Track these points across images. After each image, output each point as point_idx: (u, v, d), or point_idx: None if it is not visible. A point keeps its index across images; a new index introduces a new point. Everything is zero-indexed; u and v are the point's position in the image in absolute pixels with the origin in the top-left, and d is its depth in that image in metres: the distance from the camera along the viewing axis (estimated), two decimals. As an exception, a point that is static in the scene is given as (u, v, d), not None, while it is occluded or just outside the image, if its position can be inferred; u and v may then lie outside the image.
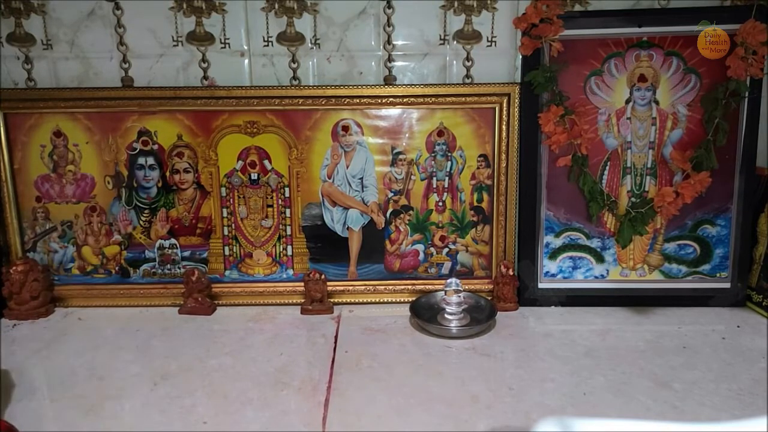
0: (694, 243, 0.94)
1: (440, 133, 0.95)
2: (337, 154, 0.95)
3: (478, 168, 0.95)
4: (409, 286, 0.98)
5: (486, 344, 0.83)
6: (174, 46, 0.96)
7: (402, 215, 0.97)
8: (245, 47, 0.97)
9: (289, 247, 0.98)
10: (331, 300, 0.96)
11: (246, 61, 0.97)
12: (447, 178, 0.96)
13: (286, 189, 0.96)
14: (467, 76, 0.97)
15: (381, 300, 0.98)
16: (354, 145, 0.95)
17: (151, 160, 0.95)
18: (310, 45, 0.96)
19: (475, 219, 0.97)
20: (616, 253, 0.95)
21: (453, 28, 0.96)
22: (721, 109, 0.88)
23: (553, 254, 0.96)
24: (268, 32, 0.96)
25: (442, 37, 0.96)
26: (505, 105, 0.92)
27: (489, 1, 0.95)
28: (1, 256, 0.97)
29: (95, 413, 0.66)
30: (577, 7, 0.94)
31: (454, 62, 0.97)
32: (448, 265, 0.99)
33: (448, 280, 0.90)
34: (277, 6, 0.95)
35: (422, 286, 0.98)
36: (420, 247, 0.98)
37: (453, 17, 0.95)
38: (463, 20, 0.95)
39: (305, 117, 0.94)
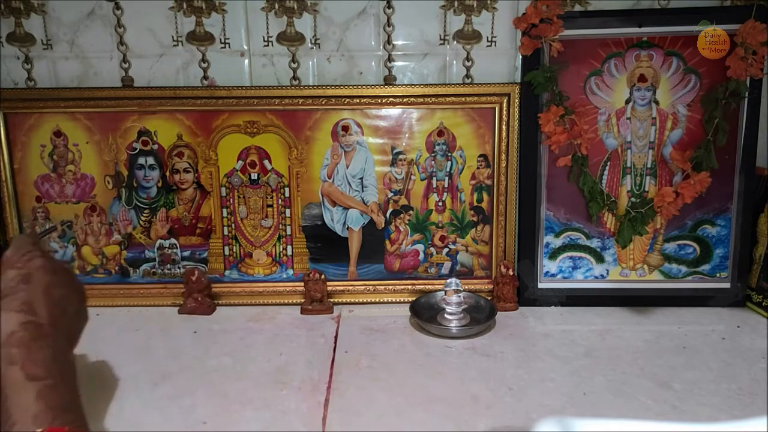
0: (694, 243, 0.94)
1: (440, 133, 0.95)
2: (337, 154, 0.95)
3: (478, 168, 0.95)
4: (409, 286, 0.98)
5: (486, 344, 0.83)
6: (174, 46, 0.96)
7: (402, 215, 0.97)
8: (245, 47, 0.97)
9: (289, 247, 0.98)
10: (331, 300, 0.96)
11: (246, 61, 0.97)
12: (447, 178, 0.96)
13: (286, 189, 0.96)
14: (467, 76, 0.97)
15: (381, 300, 0.98)
16: (354, 145, 0.95)
17: (151, 160, 0.95)
18: (310, 45, 0.96)
19: (475, 219, 0.97)
20: (616, 253, 0.95)
21: (453, 28, 0.96)
22: (721, 109, 0.88)
23: (553, 254, 0.96)
24: (268, 32, 0.96)
25: (442, 37, 0.96)
26: (505, 105, 0.92)
27: (489, 1, 0.95)
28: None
29: (95, 413, 0.65)
30: (577, 7, 0.94)
31: (454, 62, 0.97)
32: (448, 265, 0.99)
33: (448, 280, 0.90)
34: (277, 6, 0.95)
35: (422, 286, 0.98)
36: (420, 247, 0.98)
37: (453, 17, 0.95)
38: (463, 20, 0.95)
39: (305, 117, 0.94)
